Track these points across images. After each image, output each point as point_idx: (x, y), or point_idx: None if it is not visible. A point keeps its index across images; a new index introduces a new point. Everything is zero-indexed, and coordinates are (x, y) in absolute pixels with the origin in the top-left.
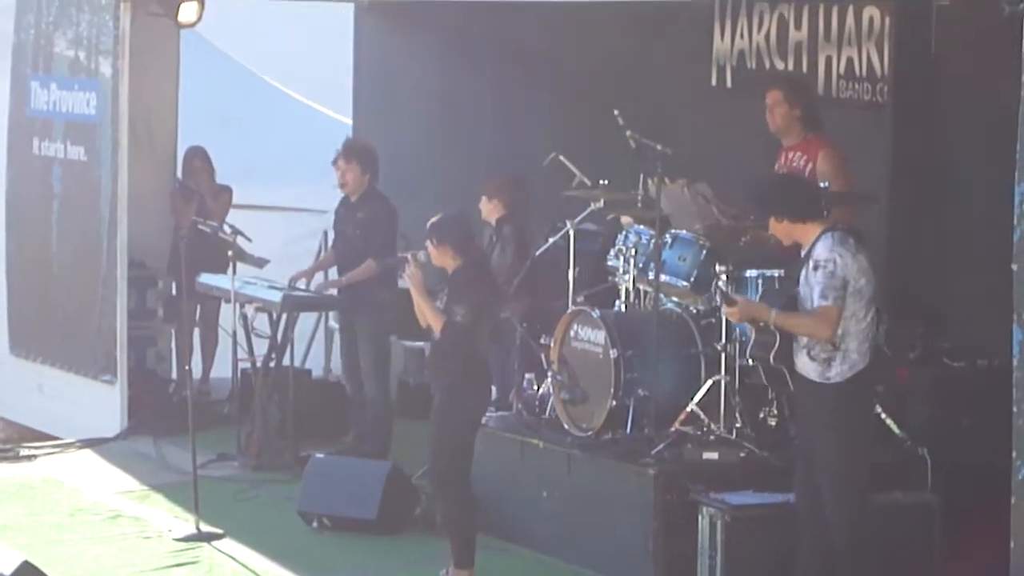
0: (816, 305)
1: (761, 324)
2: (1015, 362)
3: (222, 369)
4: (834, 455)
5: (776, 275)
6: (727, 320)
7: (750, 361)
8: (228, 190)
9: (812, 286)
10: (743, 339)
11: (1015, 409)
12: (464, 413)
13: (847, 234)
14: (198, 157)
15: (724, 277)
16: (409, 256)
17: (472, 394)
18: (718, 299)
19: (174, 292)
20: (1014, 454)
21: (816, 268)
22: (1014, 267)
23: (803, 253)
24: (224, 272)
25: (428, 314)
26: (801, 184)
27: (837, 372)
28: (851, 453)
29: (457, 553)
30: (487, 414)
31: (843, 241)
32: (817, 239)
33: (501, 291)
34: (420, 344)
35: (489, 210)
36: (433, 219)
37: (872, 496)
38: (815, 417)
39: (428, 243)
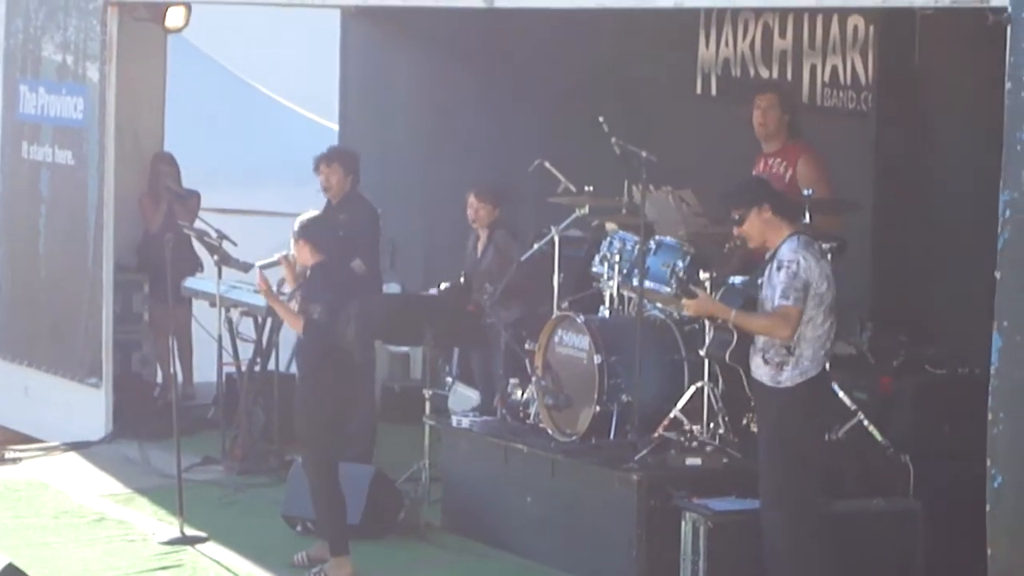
0: (776, 304)
1: (719, 321)
2: (992, 370)
3: (207, 373)
4: (773, 459)
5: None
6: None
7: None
8: (196, 195)
9: (774, 286)
10: None
11: (990, 417)
12: (322, 400)
13: (812, 239)
14: (164, 162)
15: (681, 273)
16: (281, 256)
17: (331, 384)
18: (676, 287)
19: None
20: (988, 462)
21: (779, 268)
22: (997, 275)
23: (768, 255)
24: (193, 275)
25: (285, 317)
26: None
27: (788, 377)
28: (790, 460)
29: (334, 539)
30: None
31: (808, 245)
32: (783, 241)
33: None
34: (405, 349)
35: (484, 215)
36: (299, 217)
37: (815, 504)
38: (763, 420)
39: (291, 240)
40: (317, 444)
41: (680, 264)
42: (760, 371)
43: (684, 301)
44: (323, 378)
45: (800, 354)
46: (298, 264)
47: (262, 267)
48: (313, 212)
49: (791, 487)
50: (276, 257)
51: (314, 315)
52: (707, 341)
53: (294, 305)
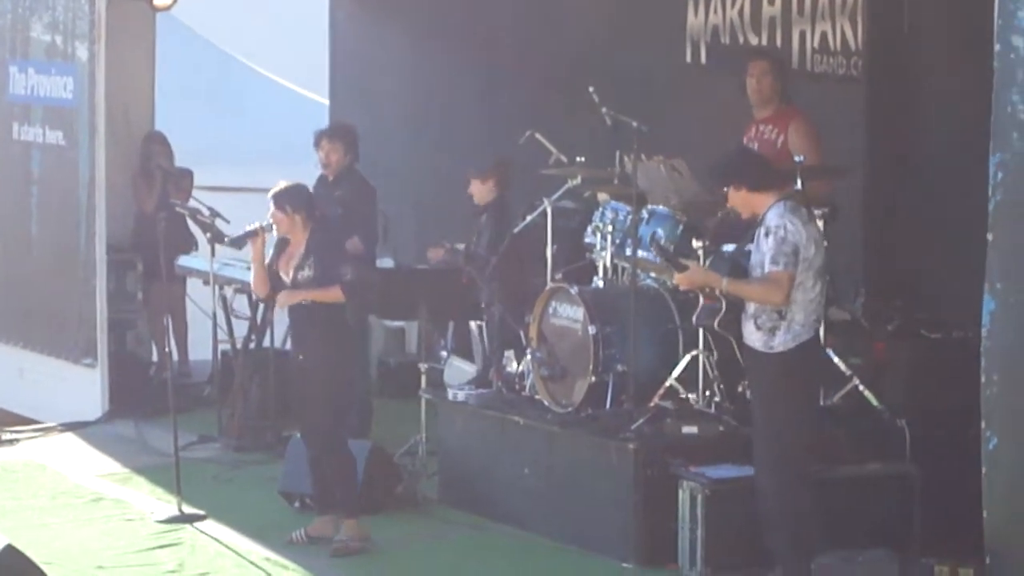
0: (767, 270)
1: (707, 290)
2: (984, 332)
3: (202, 351)
4: (768, 424)
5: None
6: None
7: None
8: (189, 173)
9: (763, 252)
10: None
11: (983, 379)
12: (343, 367)
13: (799, 204)
14: (156, 141)
15: (662, 243)
16: (258, 226)
17: (348, 348)
18: (658, 258)
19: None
20: (983, 424)
21: (767, 234)
22: (989, 237)
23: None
24: (186, 254)
25: (321, 297)
26: (756, 156)
27: (780, 342)
28: (785, 424)
29: (347, 503)
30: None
31: (794, 210)
32: (769, 208)
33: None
34: (400, 324)
35: (483, 192)
36: (276, 189)
37: (808, 468)
38: (756, 386)
39: (278, 212)
40: (329, 411)
41: (660, 233)
42: (752, 337)
43: (676, 275)
44: (348, 345)
45: (792, 318)
46: (278, 234)
47: (231, 243)
48: (287, 182)
49: (784, 451)
50: (252, 227)
51: (347, 276)
52: (697, 310)
53: (307, 273)
